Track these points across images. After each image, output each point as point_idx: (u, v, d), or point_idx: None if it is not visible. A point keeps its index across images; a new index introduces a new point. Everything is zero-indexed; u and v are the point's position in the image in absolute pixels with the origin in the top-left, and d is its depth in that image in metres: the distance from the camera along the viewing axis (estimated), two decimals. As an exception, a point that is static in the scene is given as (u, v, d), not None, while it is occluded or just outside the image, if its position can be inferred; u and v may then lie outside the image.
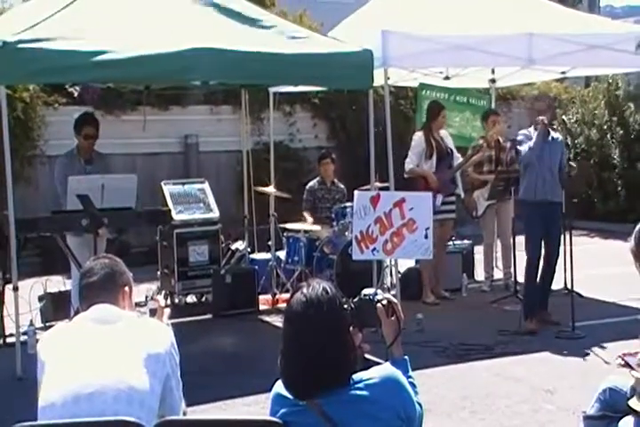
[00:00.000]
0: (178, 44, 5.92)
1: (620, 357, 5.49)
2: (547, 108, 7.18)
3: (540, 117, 6.81)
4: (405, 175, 7.99)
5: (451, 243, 8.57)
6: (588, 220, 12.51)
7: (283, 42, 6.47)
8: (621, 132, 12.82)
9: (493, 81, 9.51)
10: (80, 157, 6.95)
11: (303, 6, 13.59)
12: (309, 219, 8.51)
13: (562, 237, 6.97)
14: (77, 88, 11.06)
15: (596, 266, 9.21)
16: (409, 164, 7.94)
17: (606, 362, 5.72)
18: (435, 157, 7.98)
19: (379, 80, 6.96)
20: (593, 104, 13.41)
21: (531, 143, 6.81)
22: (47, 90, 10.93)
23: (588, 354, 6.07)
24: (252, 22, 6.70)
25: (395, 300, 2.73)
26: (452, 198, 8.17)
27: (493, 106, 9.64)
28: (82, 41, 5.76)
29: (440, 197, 7.87)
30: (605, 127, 13.09)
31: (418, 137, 8.04)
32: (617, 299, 7.83)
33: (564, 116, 13.72)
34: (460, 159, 8.23)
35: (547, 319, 6.94)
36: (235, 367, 5.98)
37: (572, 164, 7.30)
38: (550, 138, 6.90)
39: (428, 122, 8.14)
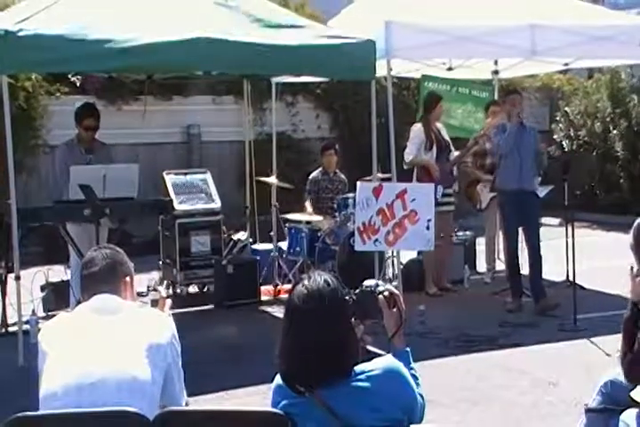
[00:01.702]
0: (180, 34, 5.90)
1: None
2: (519, 100, 7.42)
3: (515, 109, 7.16)
4: (405, 166, 7.96)
5: (452, 234, 8.55)
6: (590, 212, 12.49)
7: (285, 32, 6.44)
8: (625, 124, 12.77)
9: (496, 72, 9.48)
10: (81, 146, 6.95)
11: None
12: (309, 209, 8.50)
13: (539, 225, 7.34)
14: (79, 77, 11.03)
15: (599, 258, 9.19)
16: (409, 154, 7.89)
17: (608, 354, 5.71)
18: (435, 149, 7.95)
19: (381, 71, 6.94)
20: (596, 96, 13.36)
21: (505, 134, 7.10)
22: (49, 79, 10.91)
23: (589, 347, 6.07)
24: (255, 13, 6.68)
25: (396, 291, 2.73)
26: (450, 191, 8.15)
27: (496, 97, 9.61)
28: (84, 30, 5.74)
29: (441, 189, 7.86)
30: (608, 119, 13.04)
31: (417, 128, 7.98)
32: (619, 291, 7.80)
33: (566, 108, 13.73)
34: (456, 154, 8.18)
35: (549, 304, 7.00)
36: (236, 358, 5.99)
37: (548, 149, 7.78)
38: (524, 128, 7.26)
39: (425, 113, 8.07)
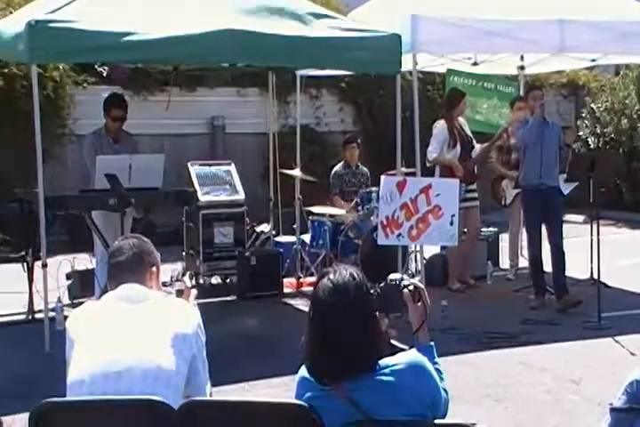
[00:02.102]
0: (206, 26, 5.93)
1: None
2: (541, 96, 7.42)
3: (537, 104, 7.18)
4: (427, 164, 7.92)
5: (479, 230, 8.50)
6: (615, 210, 12.40)
7: (311, 24, 6.44)
8: (652, 121, 12.66)
9: (522, 68, 9.41)
10: (108, 136, 6.99)
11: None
12: (341, 202, 8.47)
13: (562, 222, 7.33)
14: (106, 68, 11.09)
15: (624, 256, 9.13)
16: (432, 152, 7.82)
17: (632, 354, 5.69)
18: (458, 146, 7.90)
19: (406, 65, 6.91)
20: (623, 92, 13.23)
21: (527, 127, 7.14)
22: (76, 69, 10.97)
23: (614, 345, 6.03)
24: (281, 5, 6.68)
25: (421, 285, 2.72)
26: (474, 186, 8.12)
27: (521, 93, 9.54)
28: (112, 21, 5.78)
29: (463, 186, 7.83)
30: (635, 116, 12.92)
31: (440, 125, 7.91)
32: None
33: (592, 105, 13.62)
34: (478, 149, 8.14)
35: (570, 300, 6.98)
36: (259, 349, 6.00)
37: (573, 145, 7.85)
38: (546, 123, 7.26)
39: (449, 109, 7.99)
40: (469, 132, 8.16)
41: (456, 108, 7.97)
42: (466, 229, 8.01)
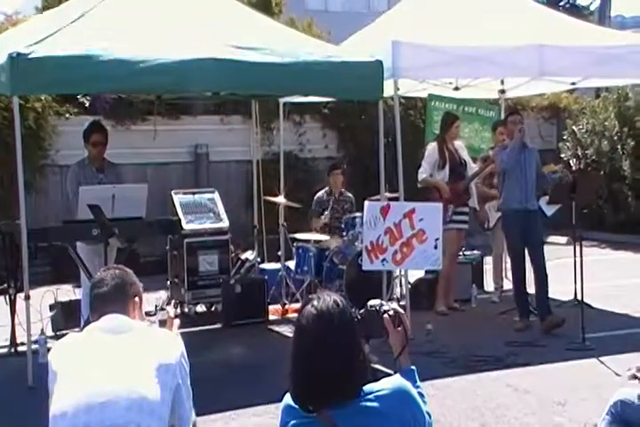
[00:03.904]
0: (189, 55, 5.95)
1: (630, 369, 5.48)
2: (520, 120, 7.48)
3: (517, 127, 7.22)
4: (418, 185, 8.00)
5: (460, 253, 8.55)
6: (598, 231, 12.48)
7: (293, 52, 6.48)
8: (632, 143, 12.77)
9: (503, 91, 9.51)
10: (92, 165, 7.00)
11: (311, 15, 13.61)
12: (318, 223, 8.47)
13: (543, 244, 7.33)
14: (88, 98, 11.11)
15: (607, 277, 9.18)
16: (422, 173, 7.95)
17: (617, 374, 5.69)
18: (447, 168, 7.97)
19: (388, 91, 6.97)
20: (603, 115, 13.38)
21: (507, 150, 7.19)
22: (59, 100, 10.99)
23: (598, 366, 6.04)
24: (265, 32, 6.74)
25: (401, 310, 2.73)
26: (466, 209, 8.17)
27: (502, 117, 9.63)
28: (94, 52, 5.79)
29: (451, 208, 7.88)
30: (616, 138, 13.06)
31: (431, 147, 8.05)
32: (628, 310, 7.79)
33: (573, 127, 13.75)
34: (475, 169, 8.22)
35: (553, 321, 6.99)
36: (244, 377, 5.97)
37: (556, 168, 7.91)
38: (525, 147, 7.33)
39: (441, 132, 8.16)
40: (467, 157, 8.24)
41: (448, 130, 8.06)
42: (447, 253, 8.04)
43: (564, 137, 13.91)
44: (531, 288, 7.30)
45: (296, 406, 2.48)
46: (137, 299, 3.07)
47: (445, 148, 8.01)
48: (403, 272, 7.48)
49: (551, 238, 11.05)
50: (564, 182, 7.65)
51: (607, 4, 24.04)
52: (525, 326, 7.17)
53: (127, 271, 3.13)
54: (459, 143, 8.28)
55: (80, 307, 6.86)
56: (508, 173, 7.26)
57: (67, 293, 7.46)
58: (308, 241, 8.28)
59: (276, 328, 7.53)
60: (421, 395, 2.62)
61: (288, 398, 2.53)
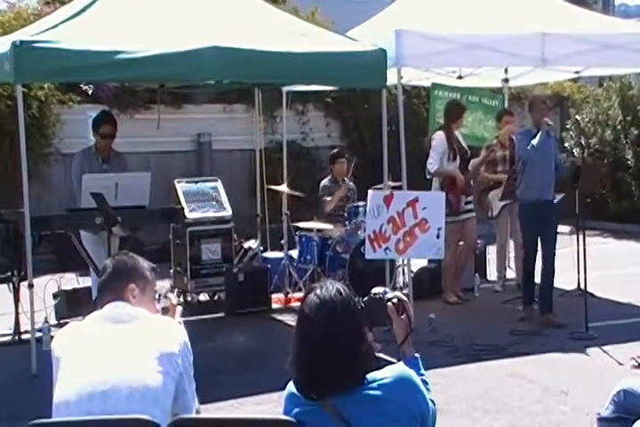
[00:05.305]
0: (191, 43, 5.95)
1: (634, 358, 5.49)
2: (548, 108, 7.38)
3: (545, 118, 6.97)
4: (428, 176, 7.93)
5: (461, 242, 8.52)
6: (601, 220, 12.45)
7: (296, 40, 6.47)
8: (635, 132, 12.73)
9: (506, 80, 9.48)
10: (98, 154, 6.98)
11: (315, 4, 13.54)
12: (332, 199, 8.36)
13: (556, 235, 7.18)
14: (92, 86, 11.10)
15: (610, 266, 9.17)
16: (433, 164, 7.80)
17: (620, 363, 5.70)
18: (458, 159, 7.91)
19: (392, 79, 6.95)
20: (607, 104, 13.33)
21: (534, 142, 6.92)
22: (62, 88, 10.98)
23: (601, 355, 6.04)
24: (266, 20, 6.72)
25: (405, 298, 2.73)
26: (471, 198, 8.14)
27: (506, 105, 9.61)
28: (97, 41, 5.80)
29: (463, 198, 7.86)
30: (619, 127, 13.01)
31: (439, 137, 7.88)
32: (631, 299, 7.79)
33: (577, 116, 13.70)
34: (478, 159, 8.18)
35: (551, 320, 6.94)
36: (247, 366, 5.99)
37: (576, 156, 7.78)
38: (549, 138, 7.09)
39: (448, 122, 7.98)
40: (465, 145, 8.19)
41: (457, 121, 7.99)
42: (462, 242, 8.04)
43: (568, 126, 13.87)
44: (536, 278, 7.28)
45: (299, 395, 2.49)
46: (133, 285, 2.99)
47: (453, 137, 7.94)
48: (405, 261, 7.47)
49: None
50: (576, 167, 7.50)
51: (611, -8, 23.93)
52: (529, 315, 7.14)
53: (130, 258, 3.09)
54: (456, 132, 8.19)
55: (91, 295, 6.84)
56: (529, 162, 7.05)
57: (70, 281, 7.47)
58: (310, 230, 8.27)
59: (279, 317, 7.54)
60: (425, 382, 2.62)
61: (291, 387, 2.53)
